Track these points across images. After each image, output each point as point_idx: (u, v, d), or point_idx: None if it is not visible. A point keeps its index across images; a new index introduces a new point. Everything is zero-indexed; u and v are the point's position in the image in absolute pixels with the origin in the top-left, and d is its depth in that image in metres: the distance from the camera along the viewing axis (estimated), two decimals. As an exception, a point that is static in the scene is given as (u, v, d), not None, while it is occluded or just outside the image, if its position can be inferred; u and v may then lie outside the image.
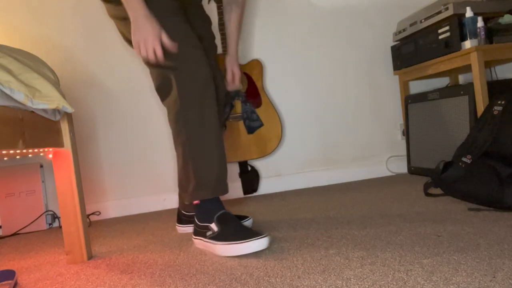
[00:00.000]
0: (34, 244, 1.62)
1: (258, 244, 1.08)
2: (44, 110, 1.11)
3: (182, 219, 1.48)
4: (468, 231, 1.05)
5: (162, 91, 1.23)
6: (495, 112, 1.38)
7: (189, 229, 1.46)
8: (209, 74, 1.19)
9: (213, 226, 1.17)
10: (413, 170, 2.09)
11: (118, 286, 0.97)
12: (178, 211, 1.49)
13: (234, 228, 1.15)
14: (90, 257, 1.28)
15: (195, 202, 1.24)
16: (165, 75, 1.19)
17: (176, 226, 1.51)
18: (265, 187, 2.15)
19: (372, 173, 2.20)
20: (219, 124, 1.24)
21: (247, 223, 1.41)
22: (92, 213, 2.03)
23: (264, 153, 2.06)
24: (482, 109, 1.59)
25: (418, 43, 1.93)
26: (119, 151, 2.08)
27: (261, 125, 2.02)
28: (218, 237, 1.14)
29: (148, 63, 1.21)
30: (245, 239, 1.09)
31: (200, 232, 1.22)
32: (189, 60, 1.17)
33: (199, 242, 1.23)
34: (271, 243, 1.16)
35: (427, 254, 0.91)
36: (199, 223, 1.23)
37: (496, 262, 0.82)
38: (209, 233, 1.18)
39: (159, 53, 1.13)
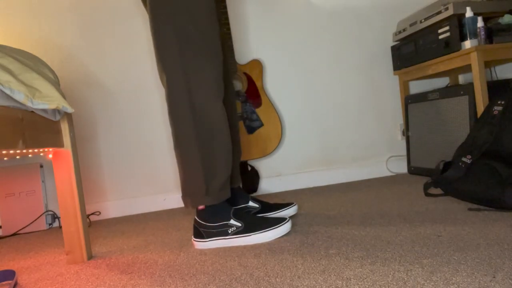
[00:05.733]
0: (34, 244, 1.62)
1: (288, 226, 1.23)
2: (44, 110, 1.11)
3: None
4: (468, 231, 1.05)
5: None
6: (495, 112, 1.37)
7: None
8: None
9: (234, 222, 1.21)
10: (413, 170, 2.09)
11: (118, 286, 0.97)
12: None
13: (254, 219, 1.23)
14: (90, 257, 1.28)
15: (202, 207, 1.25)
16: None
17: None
18: (265, 187, 2.15)
19: (372, 173, 2.20)
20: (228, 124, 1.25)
21: (292, 209, 1.47)
22: (92, 213, 2.03)
23: (264, 153, 2.06)
24: (482, 109, 1.59)
25: (418, 43, 1.93)
26: (119, 151, 2.08)
27: (261, 125, 2.02)
28: (246, 229, 1.20)
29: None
30: (277, 224, 1.21)
31: (217, 232, 1.22)
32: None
33: (214, 243, 1.22)
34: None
35: (427, 254, 0.91)
36: (212, 224, 1.22)
37: (496, 262, 0.82)
38: (231, 229, 1.21)
39: None
